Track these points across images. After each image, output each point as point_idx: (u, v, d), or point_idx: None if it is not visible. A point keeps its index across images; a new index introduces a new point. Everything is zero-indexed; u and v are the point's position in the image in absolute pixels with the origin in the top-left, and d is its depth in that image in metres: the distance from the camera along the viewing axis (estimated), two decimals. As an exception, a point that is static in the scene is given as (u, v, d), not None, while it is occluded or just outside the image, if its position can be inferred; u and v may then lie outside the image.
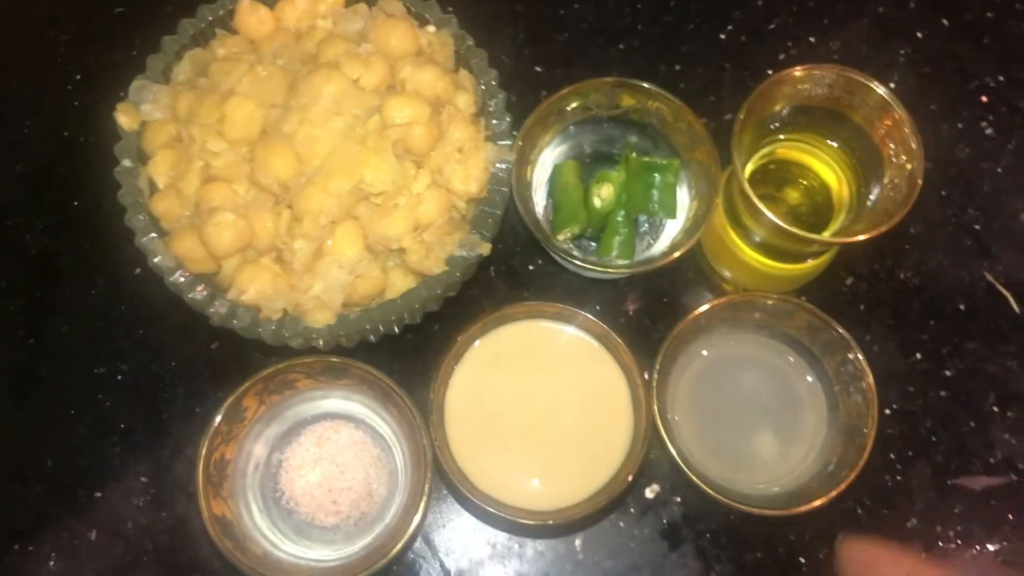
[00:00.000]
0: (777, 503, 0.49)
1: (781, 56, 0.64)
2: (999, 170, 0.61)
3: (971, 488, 0.55)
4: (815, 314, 0.50)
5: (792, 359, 0.54)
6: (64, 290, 0.59)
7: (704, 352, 0.54)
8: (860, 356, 0.49)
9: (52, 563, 0.54)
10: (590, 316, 0.51)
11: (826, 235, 0.53)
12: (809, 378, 0.53)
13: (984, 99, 0.63)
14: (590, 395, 0.52)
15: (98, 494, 0.55)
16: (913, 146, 0.48)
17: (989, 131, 0.62)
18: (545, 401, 0.52)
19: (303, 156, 0.48)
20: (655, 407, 0.49)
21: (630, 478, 0.49)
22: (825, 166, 0.54)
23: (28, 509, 0.55)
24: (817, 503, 0.47)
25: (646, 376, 0.50)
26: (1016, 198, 0.61)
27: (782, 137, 0.54)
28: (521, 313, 0.52)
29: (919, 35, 0.64)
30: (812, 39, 0.64)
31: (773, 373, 0.54)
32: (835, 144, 0.53)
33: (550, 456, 0.51)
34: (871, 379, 0.49)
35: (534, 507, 0.50)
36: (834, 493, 0.46)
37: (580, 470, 0.51)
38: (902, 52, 0.64)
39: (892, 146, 0.49)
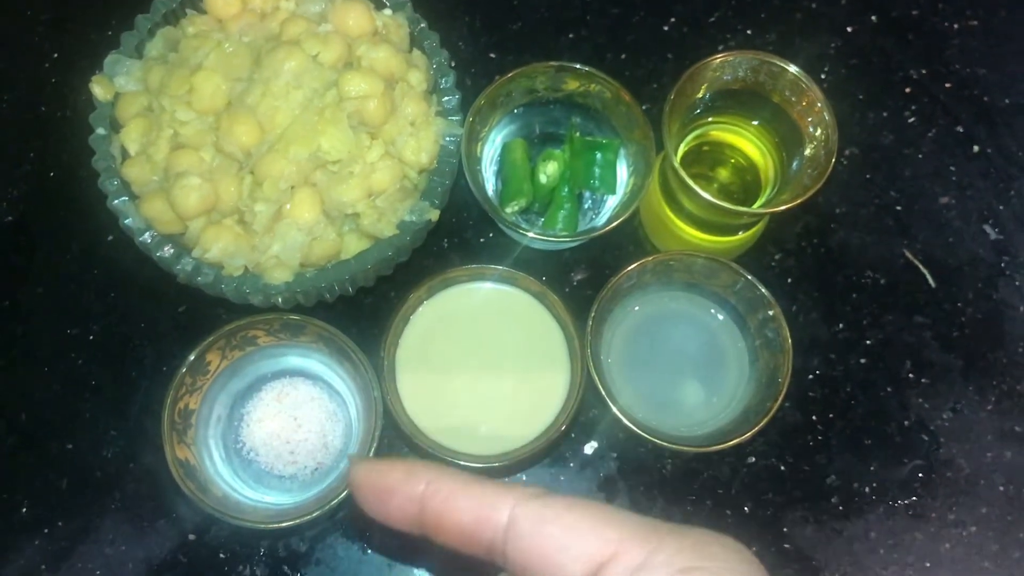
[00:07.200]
0: (696, 442, 0.53)
1: (720, 47, 0.67)
2: (920, 156, 0.65)
3: (885, 447, 0.59)
4: (739, 273, 0.53)
5: (718, 315, 0.57)
6: (39, 255, 0.61)
7: (637, 307, 0.58)
8: (778, 312, 0.52)
9: (24, 510, 0.56)
10: (528, 276, 0.55)
11: (753, 208, 0.57)
12: (733, 333, 0.57)
13: (907, 90, 0.67)
14: (530, 348, 0.55)
15: (69, 446, 0.58)
16: (827, 118, 0.52)
17: (912, 120, 0.66)
18: (489, 355, 0.55)
19: (265, 126, 0.51)
20: (589, 352, 0.52)
21: (567, 420, 0.52)
22: (752, 145, 0.58)
23: (2, 459, 0.57)
24: (733, 442, 0.50)
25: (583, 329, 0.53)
26: (935, 182, 0.65)
27: (711, 119, 0.58)
28: (463, 276, 0.55)
29: (848, 29, 0.68)
30: (749, 31, 0.68)
31: (700, 328, 0.57)
32: (758, 123, 0.57)
33: (495, 405, 0.54)
34: (787, 333, 0.52)
35: (481, 452, 0.53)
36: (748, 434, 0.50)
37: (523, 417, 0.54)
38: (832, 45, 0.67)
39: (809, 121, 0.53)
